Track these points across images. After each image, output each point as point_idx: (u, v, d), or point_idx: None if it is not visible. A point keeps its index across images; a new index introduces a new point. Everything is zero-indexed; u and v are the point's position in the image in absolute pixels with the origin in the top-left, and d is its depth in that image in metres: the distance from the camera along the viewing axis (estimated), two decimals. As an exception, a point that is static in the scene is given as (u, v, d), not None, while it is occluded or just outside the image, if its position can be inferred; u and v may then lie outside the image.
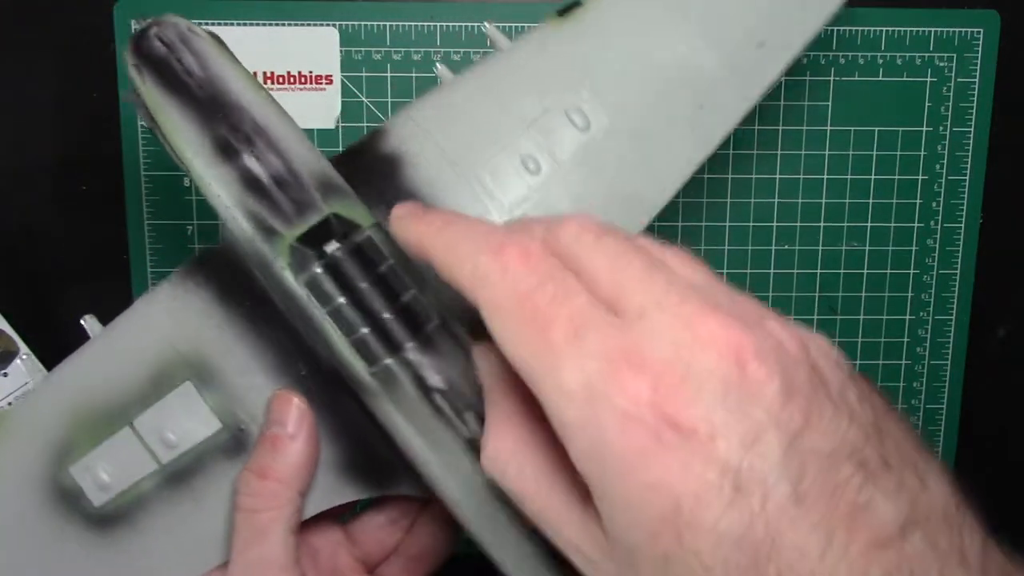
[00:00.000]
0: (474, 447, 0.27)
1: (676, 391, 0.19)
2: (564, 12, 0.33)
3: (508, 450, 0.23)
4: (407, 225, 0.25)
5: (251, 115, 0.29)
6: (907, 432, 0.21)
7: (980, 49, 0.48)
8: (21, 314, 0.47)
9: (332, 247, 0.28)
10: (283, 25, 0.46)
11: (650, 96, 0.33)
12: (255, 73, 0.46)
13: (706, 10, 0.33)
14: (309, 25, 0.46)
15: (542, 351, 0.20)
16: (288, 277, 0.28)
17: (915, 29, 0.47)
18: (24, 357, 0.44)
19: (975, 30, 0.47)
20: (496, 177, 0.32)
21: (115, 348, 0.30)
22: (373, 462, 0.30)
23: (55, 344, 0.46)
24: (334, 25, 0.46)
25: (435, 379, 0.27)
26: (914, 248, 0.49)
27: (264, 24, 0.46)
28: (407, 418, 0.28)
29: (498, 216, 0.32)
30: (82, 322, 0.31)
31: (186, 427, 0.30)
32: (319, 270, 0.27)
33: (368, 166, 0.31)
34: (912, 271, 0.49)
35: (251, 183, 0.28)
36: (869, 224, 0.49)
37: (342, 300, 0.27)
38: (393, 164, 0.31)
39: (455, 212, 0.27)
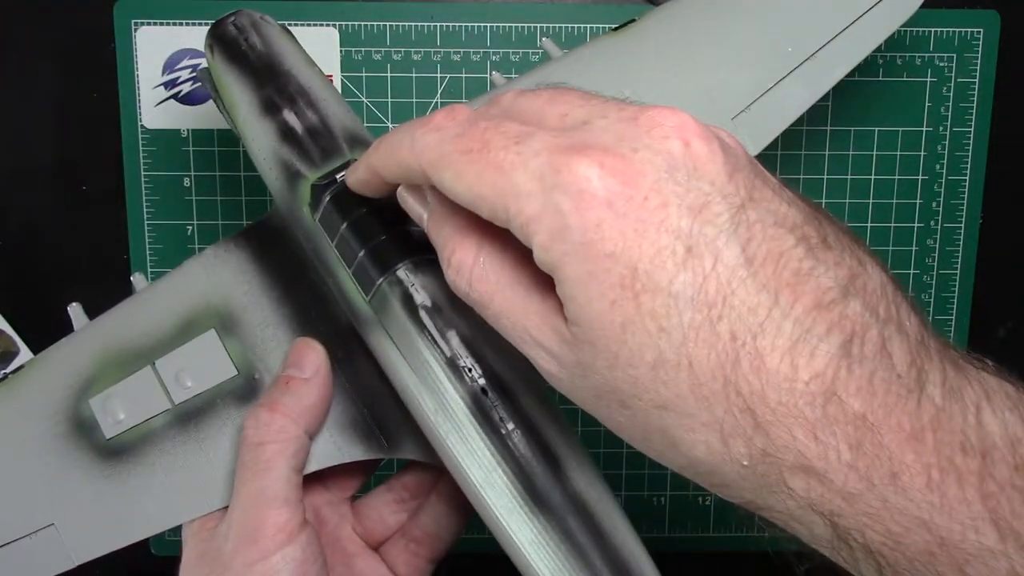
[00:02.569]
0: (453, 367, 0.28)
1: (624, 166, 0.21)
2: (619, 28, 0.36)
3: (471, 258, 0.24)
4: (355, 168, 0.28)
5: (297, 80, 0.33)
6: (843, 228, 0.23)
7: (980, 49, 0.48)
8: (21, 314, 0.47)
9: (341, 175, 0.30)
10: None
11: (690, 107, 0.34)
12: (255, 73, 0.46)
13: (747, 31, 0.36)
14: (309, 25, 0.46)
15: (489, 171, 0.22)
16: (307, 215, 0.30)
17: (915, 29, 0.47)
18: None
19: (975, 30, 0.47)
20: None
21: (153, 298, 0.33)
22: (380, 424, 0.31)
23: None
24: (334, 25, 0.46)
25: (421, 296, 0.28)
26: (914, 248, 0.49)
27: (264, 24, 0.46)
28: (395, 341, 0.29)
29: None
30: (132, 279, 0.34)
31: (203, 371, 0.31)
32: (328, 199, 0.30)
33: None
34: (912, 271, 0.49)
35: (287, 134, 0.32)
36: (869, 224, 0.49)
37: (344, 225, 0.29)
38: None
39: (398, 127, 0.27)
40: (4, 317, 0.47)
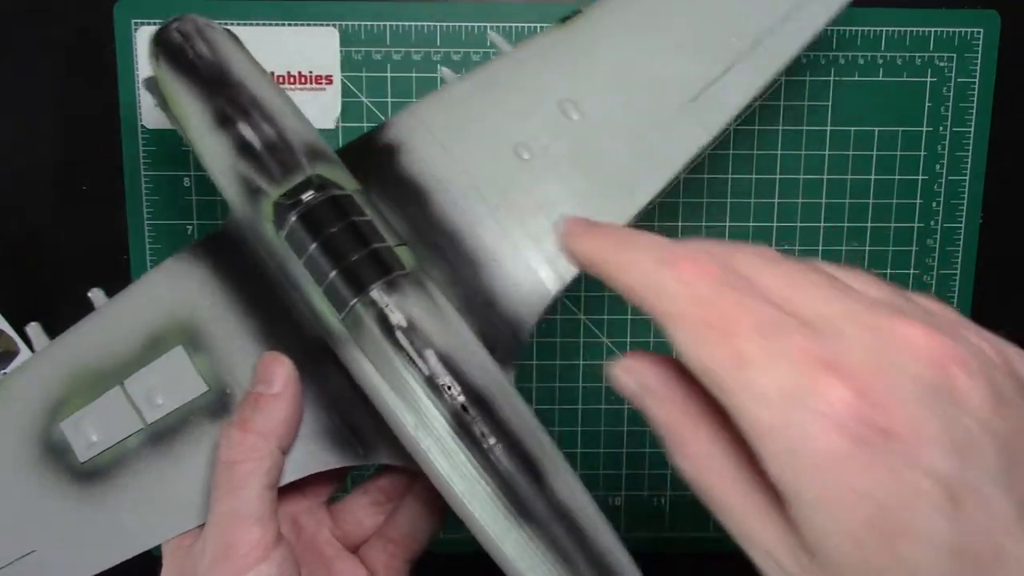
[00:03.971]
0: (432, 385, 0.28)
1: (879, 396, 0.18)
2: (565, 19, 0.35)
3: (703, 452, 0.22)
4: (580, 241, 0.24)
5: (249, 90, 0.32)
6: None
7: (980, 49, 0.48)
8: (21, 314, 0.47)
9: (308, 195, 0.30)
10: (283, 25, 0.46)
11: (638, 95, 0.34)
12: (255, 73, 0.46)
13: (693, 22, 0.35)
14: (309, 25, 0.46)
15: (730, 356, 0.20)
16: (270, 231, 0.30)
17: (915, 29, 0.47)
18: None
19: (975, 30, 0.47)
20: (488, 162, 0.33)
21: (116, 314, 0.32)
22: (354, 431, 0.31)
23: (55, 344, 0.46)
24: (334, 25, 0.46)
25: (396, 316, 0.28)
26: (914, 248, 0.49)
27: (264, 24, 0.46)
28: (372, 360, 0.29)
29: (491, 198, 0.33)
30: (89, 295, 0.32)
31: (174, 388, 0.31)
32: (294, 219, 0.29)
33: (367, 154, 0.33)
34: (912, 271, 0.49)
35: (244, 148, 0.31)
36: (869, 224, 0.49)
37: (313, 245, 0.29)
38: (390, 152, 0.33)
39: (624, 227, 0.26)
40: (4, 317, 0.47)
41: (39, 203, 0.47)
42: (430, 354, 0.28)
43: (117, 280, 0.47)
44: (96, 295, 0.33)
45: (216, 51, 0.33)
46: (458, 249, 0.32)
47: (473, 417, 0.28)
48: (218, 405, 0.31)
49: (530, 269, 0.32)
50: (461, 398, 0.28)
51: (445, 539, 0.49)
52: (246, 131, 0.31)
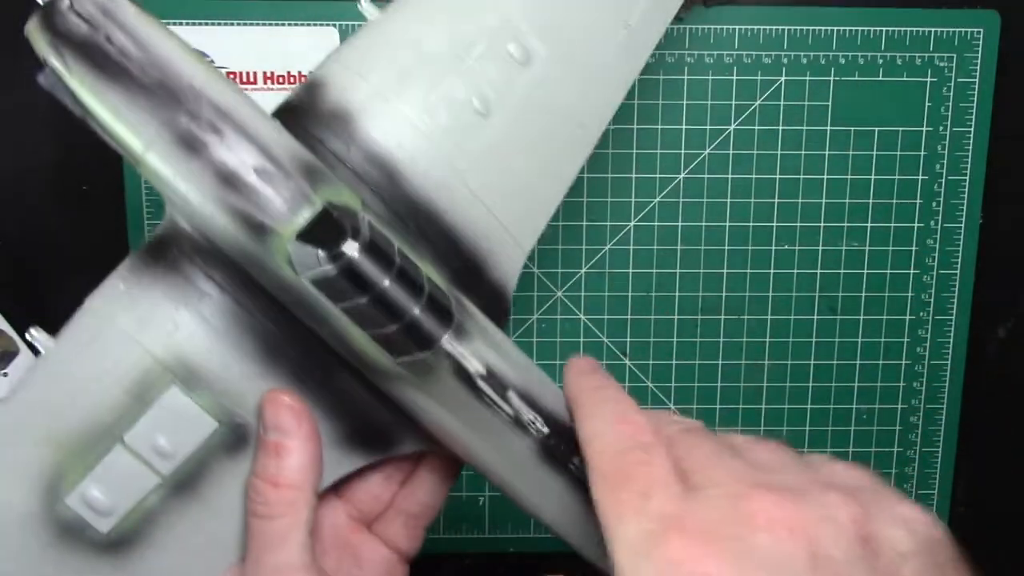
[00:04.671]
0: (519, 424, 0.28)
1: (714, 552, 0.21)
2: None
3: None
4: (575, 379, 0.28)
5: (209, 98, 0.26)
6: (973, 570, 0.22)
7: (980, 49, 0.48)
8: (21, 314, 0.47)
9: (349, 247, 0.26)
10: (283, 25, 0.46)
11: (582, 18, 0.33)
12: (255, 73, 0.46)
13: None
14: (309, 25, 0.46)
15: (617, 503, 0.24)
16: (289, 274, 0.26)
17: (915, 29, 0.47)
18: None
19: (975, 30, 0.47)
20: (450, 125, 0.30)
21: (80, 363, 0.27)
22: (374, 429, 0.30)
23: (55, 344, 0.46)
24: (334, 25, 0.46)
25: (475, 365, 0.27)
26: (914, 248, 0.49)
27: (264, 24, 0.46)
28: (441, 403, 0.28)
29: (459, 163, 0.30)
30: (27, 336, 0.28)
31: (181, 433, 0.28)
32: (334, 272, 0.26)
33: (319, 125, 0.29)
34: (912, 271, 0.49)
35: (229, 179, 0.25)
36: (869, 224, 0.49)
37: (364, 300, 0.26)
38: (345, 120, 0.29)
39: (609, 381, 0.28)
40: (4, 317, 0.47)
41: (39, 203, 0.47)
42: (512, 395, 0.28)
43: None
44: (39, 336, 0.28)
45: (142, 42, 0.26)
46: (437, 225, 0.30)
47: (558, 444, 0.29)
48: (234, 438, 0.29)
49: (505, 230, 0.31)
50: (545, 429, 0.28)
51: (469, 538, 0.49)
52: (226, 156, 0.25)
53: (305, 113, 0.29)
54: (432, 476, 0.34)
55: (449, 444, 0.29)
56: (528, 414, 0.28)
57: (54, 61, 0.26)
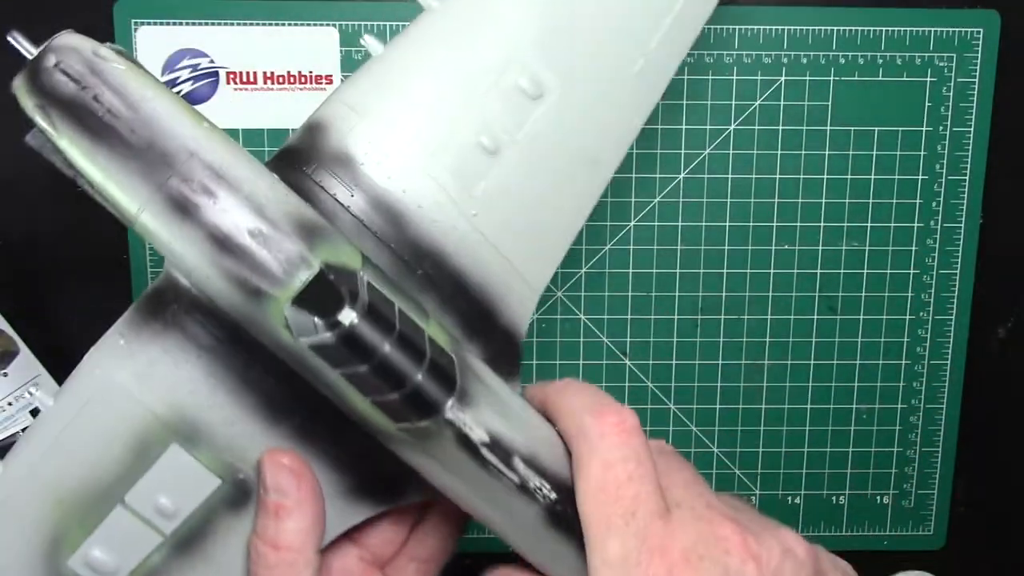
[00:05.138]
0: (524, 490, 0.27)
1: (687, 571, 0.25)
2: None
3: None
4: (536, 392, 0.30)
5: (202, 158, 0.25)
6: None
7: (980, 49, 0.48)
8: (21, 314, 0.47)
9: (346, 316, 0.25)
10: (283, 25, 0.46)
11: (597, 48, 0.31)
12: (255, 73, 0.46)
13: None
14: (309, 25, 0.46)
15: (603, 520, 0.26)
16: (287, 338, 0.25)
17: (915, 29, 0.47)
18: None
19: (975, 30, 0.47)
20: (455, 165, 0.29)
21: (80, 421, 0.27)
22: (381, 480, 0.29)
23: (55, 344, 0.46)
24: (334, 25, 0.46)
25: (479, 433, 0.27)
26: (914, 248, 0.49)
27: (264, 24, 0.46)
28: (445, 467, 0.27)
29: (467, 207, 0.30)
30: (27, 395, 0.28)
31: (183, 492, 0.28)
32: (332, 340, 0.25)
33: (320, 170, 0.28)
34: (912, 271, 0.49)
35: (223, 242, 0.25)
36: (869, 224, 0.49)
37: (363, 368, 0.25)
38: (348, 164, 0.29)
39: (571, 380, 0.30)
40: (4, 317, 0.47)
41: (39, 203, 0.47)
42: (517, 462, 0.27)
43: (117, 280, 0.47)
44: (38, 394, 0.27)
45: (131, 102, 0.25)
46: (445, 269, 0.29)
47: (567, 509, 0.28)
48: (238, 494, 0.28)
49: (516, 272, 0.30)
50: (553, 495, 0.28)
51: (468, 538, 0.49)
52: (220, 219, 0.25)
53: (307, 157, 0.28)
54: (442, 521, 0.34)
55: (455, 502, 0.29)
56: (535, 480, 0.28)
57: (41, 121, 0.25)
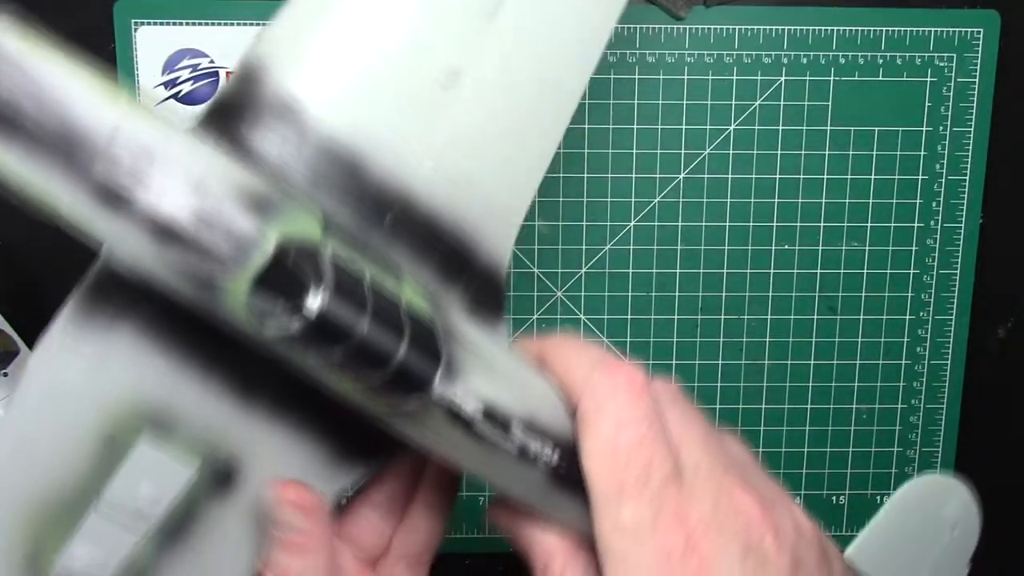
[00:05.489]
0: (524, 456, 0.26)
1: (706, 543, 0.23)
2: None
3: (559, 571, 0.27)
4: (530, 346, 0.29)
5: (125, 139, 0.21)
6: None
7: (980, 49, 0.48)
8: (21, 314, 0.47)
9: (311, 301, 0.22)
10: (283, 25, 0.46)
11: None
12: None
13: None
14: (309, 25, 0.46)
15: (615, 484, 0.24)
16: (249, 328, 0.23)
17: (915, 29, 0.47)
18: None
19: (975, 30, 0.47)
20: (414, 106, 0.27)
21: (37, 428, 0.25)
22: (365, 442, 0.28)
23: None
24: (334, 25, 0.46)
25: (472, 404, 0.25)
26: (914, 248, 0.49)
27: (264, 24, 0.46)
28: (438, 441, 0.26)
29: (429, 147, 0.28)
30: None
31: (161, 482, 0.26)
32: (299, 328, 0.22)
33: (261, 124, 0.26)
34: (912, 271, 0.49)
35: (164, 231, 0.21)
36: (869, 224, 0.49)
37: (338, 352, 0.23)
38: (291, 113, 0.26)
39: (570, 335, 0.29)
40: (4, 317, 0.47)
41: (39, 203, 0.47)
42: (514, 428, 0.26)
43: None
44: None
45: (33, 87, 0.21)
46: (414, 214, 0.27)
47: (569, 469, 0.26)
48: (219, 475, 0.27)
49: (490, 207, 0.28)
50: (555, 456, 0.26)
51: (468, 538, 0.49)
52: (156, 205, 0.21)
53: (243, 112, 0.25)
54: (428, 513, 0.33)
55: (449, 467, 0.28)
56: (535, 445, 0.26)
57: None
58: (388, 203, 0.27)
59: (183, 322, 0.24)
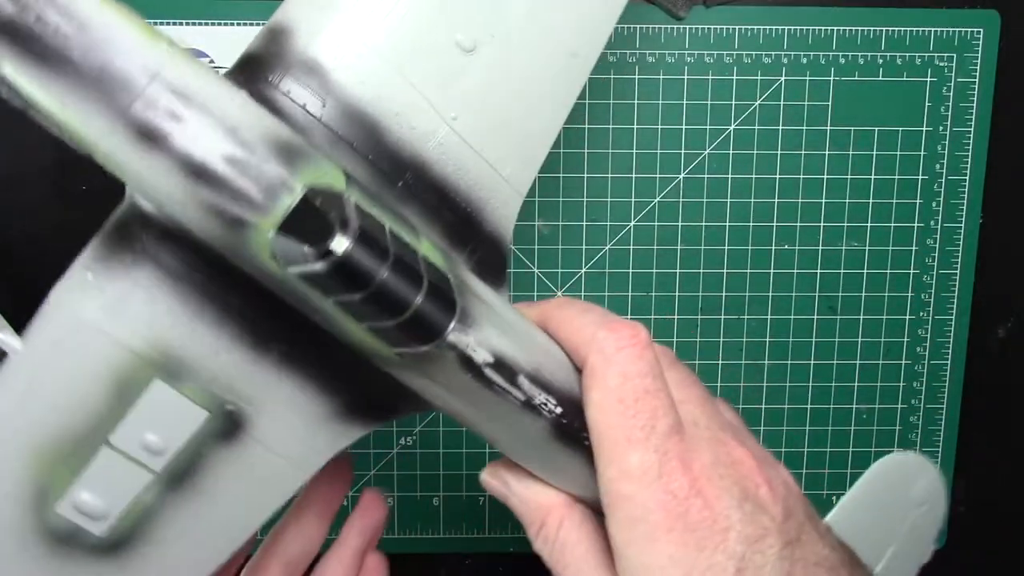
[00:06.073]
0: (530, 406, 0.27)
1: (707, 491, 0.25)
2: None
3: (554, 532, 0.29)
4: (526, 312, 0.30)
5: (165, 80, 0.22)
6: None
7: (980, 49, 0.48)
8: (21, 314, 0.47)
9: (337, 244, 0.23)
10: (283, 25, 0.46)
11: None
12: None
13: None
14: (309, 25, 0.46)
15: (623, 434, 0.25)
16: (273, 268, 0.24)
17: (915, 29, 0.47)
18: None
19: (975, 30, 0.47)
20: (433, 68, 0.28)
21: (52, 364, 0.25)
22: (373, 397, 0.28)
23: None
24: (334, 25, 0.46)
25: (482, 354, 0.26)
26: (914, 248, 0.49)
27: (264, 24, 0.46)
28: (447, 389, 0.27)
29: (446, 111, 0.28)
30: None
31: (170, 427, 0.26)
32: (323, 269, 0.23)
33: (288, 79, 0.27)
34: (912, 271, 0.49)
35: (197, 170, 0.22)
36: (869, 224, 0.49)
37: (358, 297, 0.24)
38: (317, 72, 0.27)
39: (569, 297, 0.31)
40: (4, 317, 0.47)
41: (39, 203, 0.47)
42: (522, 379, 0.27)
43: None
44: (4, 336, 0.26)
45: (79, 18, 0.22)
46: (427, 178, 0.28)
47: (572, 422, 0.28)
48: (227, 426, 0.27)
49: (499, 175, 0.29)
50: (558, 409, 0.28)
51: (468, 538, 0.49)
52: (191, 146, 0.22)
53: (271, 65, 0.27)
54: (309, 523, 0.34)
55: (454, 419, 0.29)
56: (540, 396, 0.27)
57: None
58: (403, 167, 0.28)
59: (202, 271, 0.25)
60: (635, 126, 0.47)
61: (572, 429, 0.28)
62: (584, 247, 0.48)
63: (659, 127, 0.47)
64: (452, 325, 0.25)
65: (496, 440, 0.29)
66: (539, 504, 0.29)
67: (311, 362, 0.27)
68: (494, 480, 0.31)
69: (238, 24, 0.45)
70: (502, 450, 0.30)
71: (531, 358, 0.27)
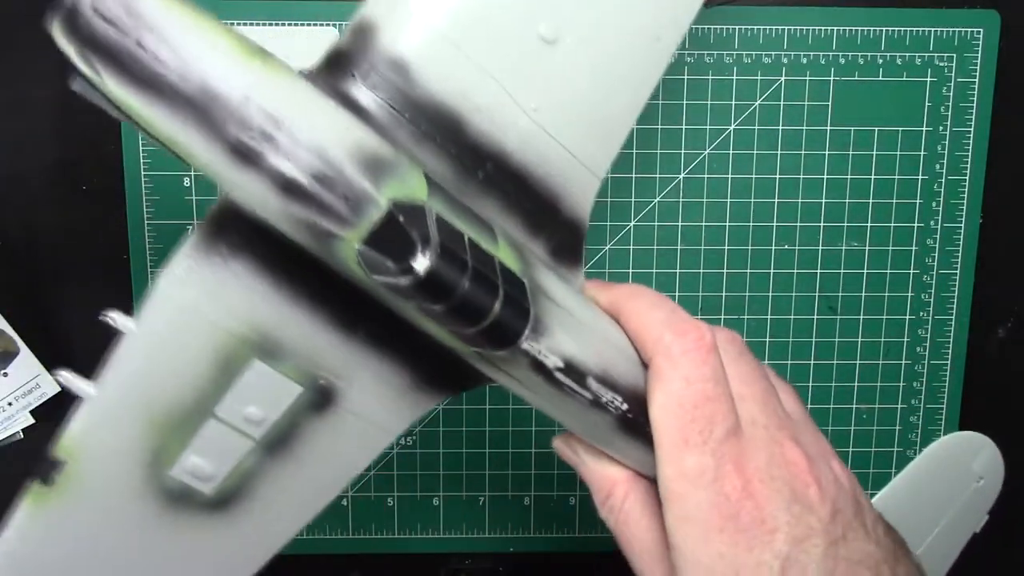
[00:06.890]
0: (598, 405, 0.29)
1: (758, 493, 0.26)
2: None
3: (619, 503, 0.30)
4: (599, 294, 0.31)
5: (258, 102, 0.24)
6: (917, 565, 0.29)
7: (980, 49, 0.48)
8: (21, 314, 0.47)
9: (419, 263, 0.25)
10: (283, 25, 0.46)
11: None
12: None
13: None
14: (309, 25, 0.46)
15: (681, 435, 0.27)
16: (360, 275, 0.25)
17: (915, 29, 0.47)
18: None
19: (975, 30, 0.47)
20: (515, 60, 0.29)
21: (162, 346, 0.28)
22: (453, 372, 0.30)
23: (55, 344, 0.46)
24: (334, 25, 0.46)
25: (553, 360, 0.28)
26: (914, 248, 0.49)
27: (264, 24, 0.46)
28: (519, 383, 0.29)
29: (527, 103, 0.29)
30: (107, 319, 0.28)
31: (268, 401, 0.29)
32: (406, 283, 0.25)
33: (374, 76, 0.27)
34: (912, 271, 0.49)
35: (289, 187, 0.24)
36: (869, 224, 0.49)
37: (438, 308, 0.26)
38: (402, 70, 0.28)
39: (642, 287, 0.31)
40: (4, 317, 0.47)
41: (39, 203, 0.47)
42: (591, 381, 0.29)
43: (117, 280, 0.47)
44: (123, 321, 0.27)
45: (175, 45, 0.23)
46: (508, 168, 0.29)
47: (638, 418, 0.29)
48: (319, 399, 0.30)
49: (578, 162, 0.30)
50: (625, 406, 0.29)
51: (469, 538, 0.49)
52: (282, 165, 0.24)
53: (357, 63, 0.27)
54: None
55: (525, 402, 0.30)
56: (607, 395, 0.29)
57: (84, 69, 0.23)
58: (483, 158, 0.29)
59: (296, 263, 0.27)
60: (635, 126, 0.47)
61: (637, 423, 0.29)
62: (584, 247, 0.48)
63: (659, 127, 0.47)
64: (526, 334, 0.27)
65: (565, 425, 0.31)
66: (607, 476, 0.31)
67: (395, 341, 0.29)
68: (567, 449, 0.32)
69: (238, 24, 0.45)
70: (571, 431, 0.31)
71: (600, 359, 0.29)
